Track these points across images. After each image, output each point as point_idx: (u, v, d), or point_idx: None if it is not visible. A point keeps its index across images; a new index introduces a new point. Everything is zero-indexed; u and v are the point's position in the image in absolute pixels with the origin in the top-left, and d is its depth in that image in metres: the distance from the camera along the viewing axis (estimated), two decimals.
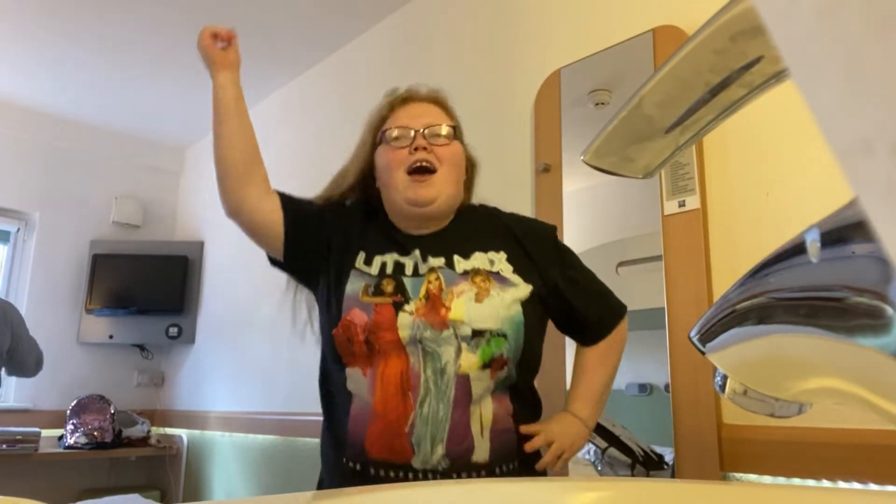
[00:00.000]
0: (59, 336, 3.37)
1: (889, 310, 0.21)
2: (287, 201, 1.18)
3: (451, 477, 0.95)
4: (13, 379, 3.24)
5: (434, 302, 1.00)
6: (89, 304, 3.37)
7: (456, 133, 1.12)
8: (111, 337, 3.42)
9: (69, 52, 2.88)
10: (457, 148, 1.11)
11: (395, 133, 1.09)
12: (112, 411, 3.16)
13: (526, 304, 1.02)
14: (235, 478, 2.94)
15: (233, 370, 3.08)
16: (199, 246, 3.54)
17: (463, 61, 2.21)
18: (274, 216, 1.16)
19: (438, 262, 1.05)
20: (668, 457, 1.41)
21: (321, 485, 1.11)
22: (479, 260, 1.05)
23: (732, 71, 0.31)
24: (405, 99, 1.15)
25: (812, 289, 0.25)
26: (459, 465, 0.96)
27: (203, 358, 3.35)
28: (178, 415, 3.40)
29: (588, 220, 1.70)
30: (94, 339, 3.41)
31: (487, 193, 2.10)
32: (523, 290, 1.03)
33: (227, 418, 2.99)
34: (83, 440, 3.03)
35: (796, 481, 1.21)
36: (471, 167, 1.19)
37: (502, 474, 0.99)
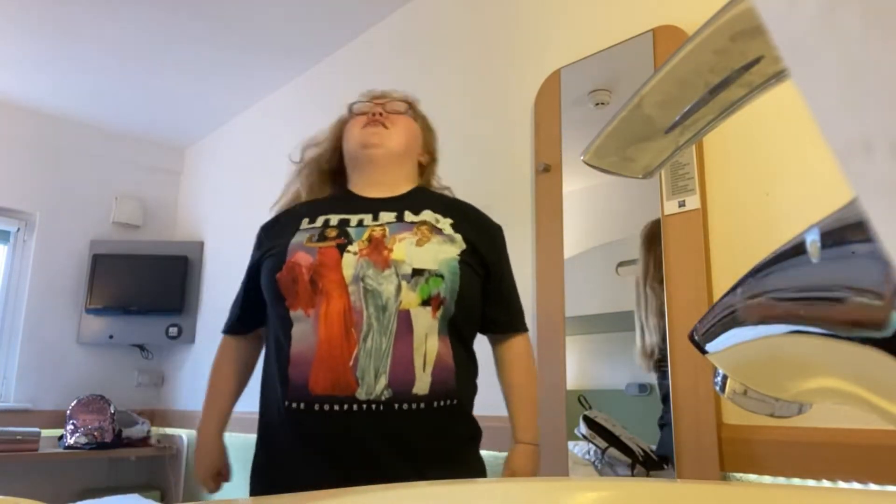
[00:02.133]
0: (59, 336, 3.37)
1: (889, 310, 0.21)
2: (240, 327, 1.30)
3: (392, 407, 1.00)
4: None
5: (377, 244, 1.07)
6: (89, 304, 3.37)
7: (413, 115, 1.27)
8: (111, 337, 3.42)
9: (69, 52, 2.88)
10: (410, 122, 1.26)
11: (359, 107, 1.26)
12: (112, 411, 3.15)
13: (462, 255, 1.11)
14: (235, 478, 2.94)
15: None
16: (199, 246, 3.54)
17: (463, 61, 2.21)
18: (251, 346, 1.33)
19: (390, 215, 1.14)
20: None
21: (260, 442, 1.18)
22: (427, 216, 1.15)
23: (732, 71, 0.31)
24: (369, 94, 1.32)
25: (812, 289, 0.25)
26: (401, 396, 1.01)
27: (203, 358, 3.35)
28: (178, 415, 3.40)
29: (588, 220, 1.70)
30: (94, 339, 3.41)
31: (487, 193, 2.11)
32: (460, 244, 1.12)
33: None
34: (83, 440, 3.03)
35: (796, 481, 1.21)
36: (430, 159, 1.32)
37: (440, 408, 1.05)
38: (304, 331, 1.04)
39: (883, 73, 0.11)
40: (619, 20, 1.73)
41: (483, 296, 1.17)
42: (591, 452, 1.52)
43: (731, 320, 0.32)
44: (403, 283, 1.04)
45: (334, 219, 1.13)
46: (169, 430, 3.37)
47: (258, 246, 1.24)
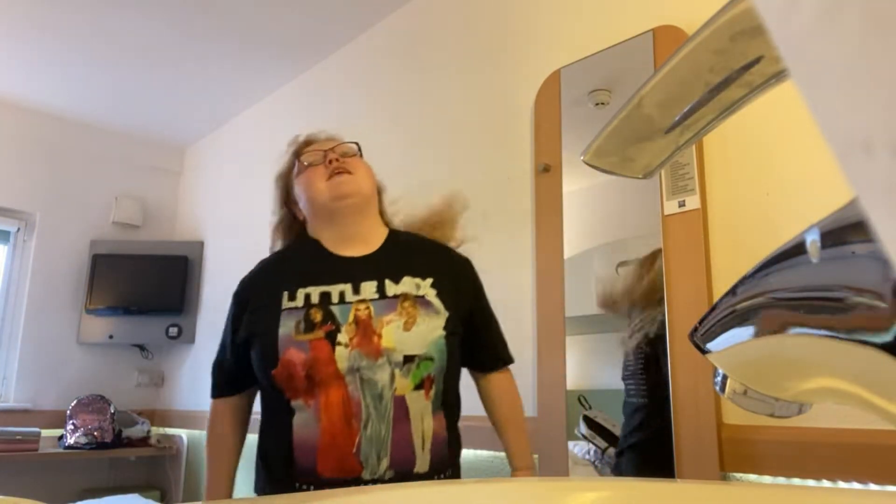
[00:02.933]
0: (59, 336, 3.37)
1: (889, 310, 0.21)
2: (234, 381, 1.26)
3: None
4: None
5: (365, 329, 1.10)
6: (89, 304, 3.37)
7: (361, 151, 1.28)
8: (111, 337, 3.42)
9: (69, 51, 2.88)
10: (364, 161, 1.26)
11: (309, 158, 1.24)
12: (112, 411, 3.16)
13: (447, 328, 1.14)
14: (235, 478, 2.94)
15: None
16: (199, 246, 3.54)
17: (463, 61, 2.21)
18: (242, 406, 1.29)
19: (371, 287, 1.14)
20: None
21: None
22: (407, 284, 1.15)
23: (732, 71, 0.31)
24: (307, 142, 1.30)
25: (812, 289, 0.25)
26: (402, 475, 1.07)
27: (203, 358, 3.35)
28: (178, 415, 3.40)
29: (588, 220, 1.70)
30: (94, 339, 3.41)
31: (487, 193, 2.11)
32: (443, 316, 1.15)
33: None
34: (83, 440, 3.03)
35: (796, 481, 1.21)
36: (379, 192, 1.32)
37: (442, 479, 1.11)
38: (306, 419, 1.08)
39: (883, 73, 0.11)
40: (619, 20, 1.73)
41: (467, 343, 1.21)
42: (591, 452, 1.52)
43: (731, 320, 0.32)
44: (396, 371, 1.08)
45: (315, 293, 1.13)
46: (169, 430, 3.37)
47: (240, 309, 1.23)
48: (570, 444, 1.57)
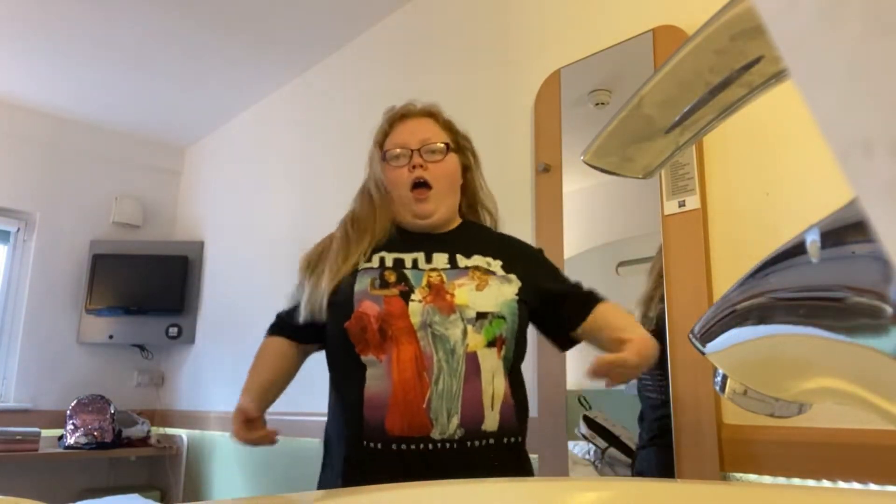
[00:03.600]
0: (59, 336, 3.37)
1: (889, 310, 0.21)
2: (290, 330, 1.28)
3: (465, 444, 1.06)
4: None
5: (438, 290, 1.13)
6: (89, 304, 3.36)
7: (449, 147, 1.27)
8: (111, 337, 3.42)
9: (69, 51, 2.88)
10: (451, 163, 1.27)
11: (395, 152, 1.25)
12: (112, 411, 3.15)
13: (519, 296, 1.15)
14: (235, 478, 2.94)
15: (233, 370, 3.08)
16: (199, 246, 3.54)
17: (463, 61, 2.21)
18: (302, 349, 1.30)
19: (443, 258, 1.18)
20: None
21: (326, 472, 1.18)
22: (477, 260, 1.19)
23: (732, 71, 0.31)
24: (402, 115, 1.31)
25: (812, 289, 0.25)
26: (472, 434, 1.06)
27: (203, 358, 3.35)
28: (178, 415, 3.40)
29: (588, 220, 1.70)
30: (94, 339, 3.41)
31: None
32: (516, 284, 1.17)
33: (227, 418, 2.97)
34: (83, 440, 3.02)
35: (796, 481, 1.21)
36: (473, 162, 1.33)
37: (507, 445, 1.10)
38: (377, 375, 1.09)
39: (883, 73, 0.11)
40: (619, 20, 1.73)
41: (551, 313, 1.21)
42: (591, 452, 1.52)
43: (731, 320, 0.32)
44: (469, 327, 1.10)
45: (388, 258, 1.18)
46: (169, 430, 3.37)
47: (307, 278, 1.25)
48: (570, 444, 1.57)
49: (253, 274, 3.06)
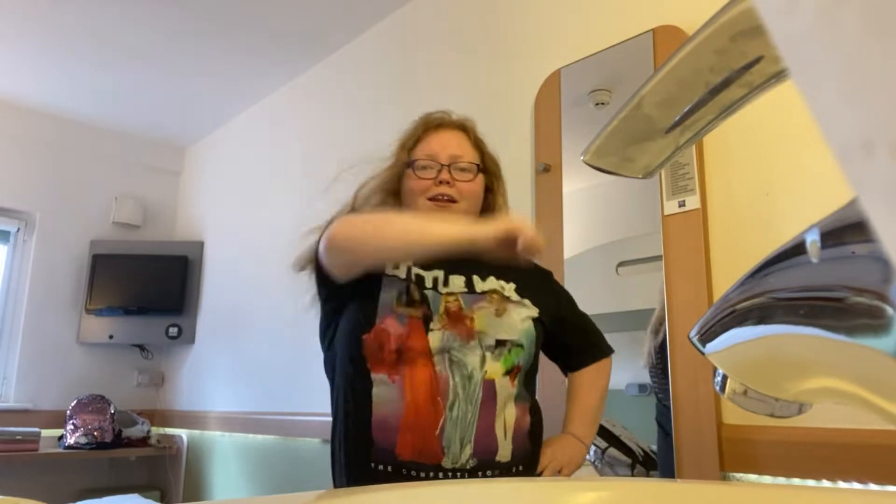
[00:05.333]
0: (59, 336, 3.37)
1: (889, 310, 0.21)
2: None
3: (476, 475, 1.03)
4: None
5: (457, 316, 1.09)
6: (89, 304, 3.37)
7: (479, 168, 1.22)
8: (111, 337, 3.42)
9: (69, 51, 2.88)
10: (478, 182, 1.22)
11: (423, 163, 1.19)
12: (112, 411, 3.15)
13: (535, 322, 1.14)
14: (235, 478, 2.94)
15: (233, 370, 3.08)
16: (199, 246, 3.54)
17: (463, 61, 2.21)
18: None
19: (459, 281, 1.13)
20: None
21: (335, 483, 1.13)
22: (493, 284, 1.15)
23: (732, 71, 0.31)
24: (438, 125, 1.25)
25: (812, 289, 0.25)
26: (485, 465, 1.03)
27: (203, 358, 3.35)
28: (178, 415, 3.40)
29: (588, 220, 1.70)
30: (94, 339, 3.41)
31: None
32: (532, 310, 1.14)
33: (227, 418, 2.99)
34: (83, 440, 3.02)
35: (796, 481, 1.21)
36: (496, 186, 1.27)
37: (517, 473, 1.07)
38: (388, 395, 1.05)
39: (883, 73, 0.11)
40: (619, 20, 1.73)
41: (558, 334, 1.20)
42: (591, 452, 1.52)
43: (731, 320, 0.32)
44: (487, 354, 1.07)
45: (414, 270, 1.13)
46: (169, 430, 3.37)
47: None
48: None
49: (253, 274, 3.06)
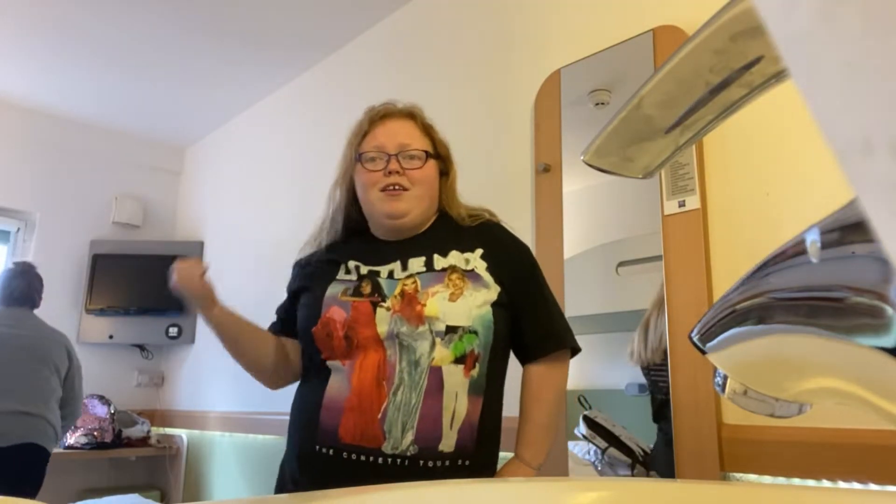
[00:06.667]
0: None
1: (889, 310, 0.21)
2: (284, 329, 1.26)
3: (417, 463, 1.02)
4: None
5: (410, 299, 1.08)
6: (89, 304, 3.37)
7: (428, 154, 1.20)
8: (111, 337, 3.42)
9: (69, 52, 2.88)
10: (429, 168, 1.19)
11: (370, 155, 1.18)
12: (112, 411, 3.15)
13: (494, 305, 1.10)
14: (235, 478, 2.94)
15: (233, 370, 3.07)
16: (199, 246, 3.54)
17: (463, 62, 2.21)
18: (295, 353, 1.25)
19: (418, 262, 1.13)
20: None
21: (283, 469, 1.16)
22: (455, 258, 1.13)
23: (732, 71, 0.31)
24: (383, 115, 1.24)
25: (812, 289, 0.25)
26: (426, 453, 1.02)
27: (203, 358, 3.35)
28: (178, 415, 3.40)
29: (588, 220, 1.70)
30: (94, 339, 3.41)
31: (488, 193, 2.10)
32: (493, 291, 1.11)
33: (227, 418, 2.99)
34: (83, 440, 3.02)
35: (796, 481, 1.21)
36: (449, 170, 1.25)
37: (463, 467, 1.05)
38: (339, 379, 1.07)
39: (883, 73, 0.11)
40: (619, 20, 1.73)
41: (514, 318, 1.15)
42: (591, 452, 1.52)
43: (731, 320, 0.32)
44: (437, 340, 1.05)
45: (364, 269, 1.14)
46: (169, 430, 3.37)
47: (293, 282, 1.26)
48: (570, 444, 1.57)
49: (253, 274, 3.06)
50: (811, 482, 1.19)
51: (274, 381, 1.27)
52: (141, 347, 3.57)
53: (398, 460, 1.01)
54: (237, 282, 3.20)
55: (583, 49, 1.78)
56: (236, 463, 2.93)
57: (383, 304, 1.07)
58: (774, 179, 1.36)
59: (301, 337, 1.16)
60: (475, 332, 1.07)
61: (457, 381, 1.05)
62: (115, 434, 3.12)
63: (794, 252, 0.26)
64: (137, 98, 3.30)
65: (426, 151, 1.19)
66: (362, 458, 1.02)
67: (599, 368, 1.60)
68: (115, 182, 3.67)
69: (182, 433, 3.30)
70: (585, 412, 1.56)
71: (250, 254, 3.14)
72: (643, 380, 1.51)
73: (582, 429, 1.55)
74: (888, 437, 1.10)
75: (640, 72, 1.62)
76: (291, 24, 2.64)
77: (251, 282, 3.05)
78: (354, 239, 1.23)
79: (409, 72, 2.44)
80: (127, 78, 3.10)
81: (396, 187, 1.15)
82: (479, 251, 1.14)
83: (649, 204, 1.53)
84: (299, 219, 2.91)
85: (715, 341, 0.34)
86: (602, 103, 1.71)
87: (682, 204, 1.47)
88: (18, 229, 3.43)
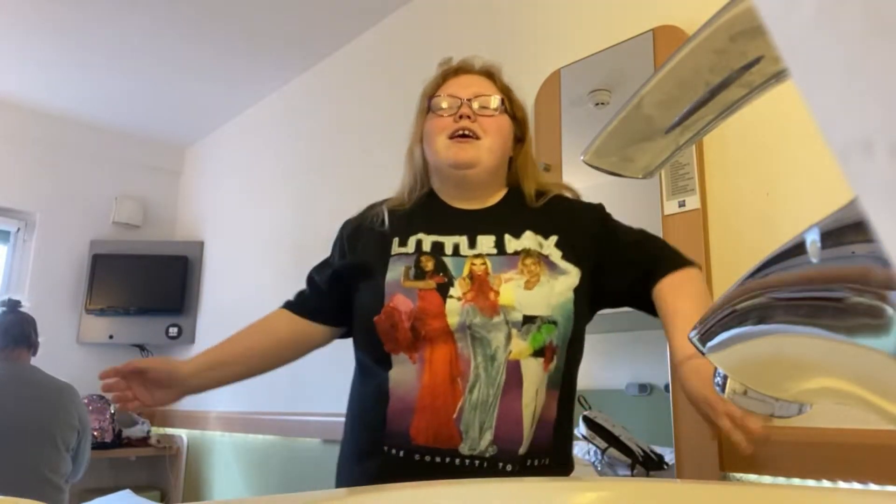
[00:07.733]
0: (59, 336, 3.36)
1: (889, 310, 0.21)
2: (313, 307, 1.15)
3: (496, 465, 0.94)
4: None
5: (481, 285, 0.98)
6: (89, 304, 3.37)
7: (505, 106, 1.10)
8: (111, 337, 3.42)
9: (70, 52, 2.88)
10: (504, 121, 1.10)
11: (442, 103, 1.08)
12: (112, 411, 3.16)
13: (577, 291, 1.01)
14: (235, 478, 2.94)
15: None
16: (199, 246, 3.54)
17: None
18: (318, 330, 1.15)
19: (488, 241, 1.03)
20: (669, 457, 1.41)
21: (341, 473, 1.07)
22: (529, 240, 1.03)
23: (732, 71, 0.31)
24: (458, 70, 1.15)
25: (812, 289, 0.25)
26: (506, 455, 0.95)
27: None
28: (178, 415, 3.40)
29: None
30: (94, 339, 3.41)
31: None
32: (574, 276, 1.01)
33: (227, 418, 2.99)
34: None
35: (796, 481, 1.21)
36: (524, 136, 1.16)
37: (541, 466, 0.98)
38: (406, 373, 0.98)
39: (883, 73, 0.11)
40: (619, 20, 1.73)
41: (613, 281, 1.05)
42: (591, 452, 1.52)
43: (731, 320, 0.32)
44: (514, 332, 0.96)
45: (427, 241, 1.03)
46: (169, 430, 3.37)
47: (341, 253, 1.14)
48: None
49: (253, 274, 3.06)
50: (811, 482, 1.19)
51: (292, 359, 1.18)
52: (141, 347, 3.57)
53: (476, 462, 0.94)
54: (237, 282, 3.20)
55: (583, 49, 1.78)
56: (236, 463, 2.93)
57: (452, 291, 0.98)
58: (774, 179, 1.36)
59: (359, 326, 1.05)
60: (554, 323, 0.98)
61: (536, 375, 0.97)
62: (116, 434, 3.12)
63: (794, 252, 0.26)
64: (137, 98, 3.30)
65: (502, 100, 1.10)
66: (437, 459, 0.94)
67: (599, 368, 1.60)
68: (115, 182, 3.67)
69: (182, 433, 3.30)
70: (585, 412, 1.56)
71: (250, 254, 3.14)
72: (643, 380, 1.51)
73: (582, 429, 1.55)
74: (888, 437, 1.10)
75: (640, 72, 1.62)
76: (292, 25, 2.64)
77: (251, 282, 3.05)
78: (419, 204, 1.12)
79: (409, 72, 2.44)
80: (127, 78, 3.10)
81: (467, 133, 1.04)
82: (554, 238, 1.04)
83: (649, 204, 1.53)
84: (299, 218, 2.91)
85: (715, 341, 0.34)
86: (602, 103, 1.71)
87: (682, 204, 1.47)
88: (18, 229, 3.43)
